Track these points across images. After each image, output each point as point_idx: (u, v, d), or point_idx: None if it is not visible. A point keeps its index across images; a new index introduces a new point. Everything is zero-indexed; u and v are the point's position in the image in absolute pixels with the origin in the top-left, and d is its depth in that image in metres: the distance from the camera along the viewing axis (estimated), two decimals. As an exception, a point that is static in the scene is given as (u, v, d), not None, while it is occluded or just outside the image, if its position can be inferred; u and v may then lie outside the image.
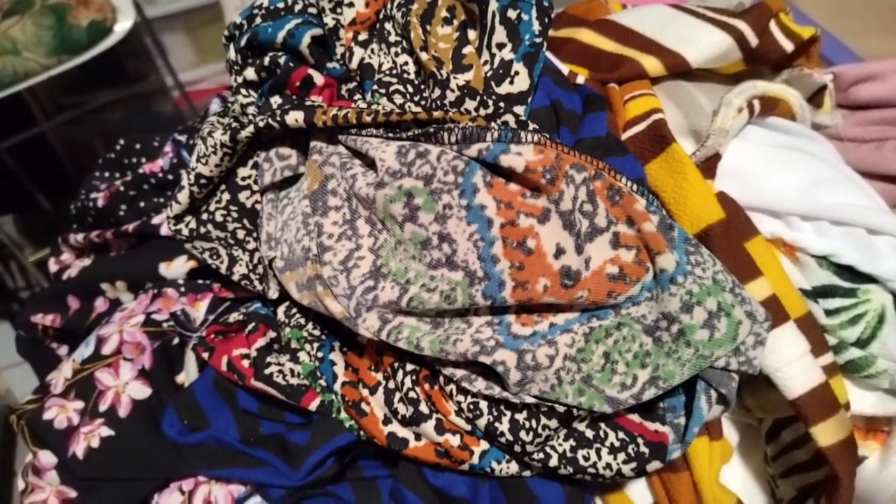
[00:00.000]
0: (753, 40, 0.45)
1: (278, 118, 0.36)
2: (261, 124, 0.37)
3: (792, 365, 0.36)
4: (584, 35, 0.48)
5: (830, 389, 0.37)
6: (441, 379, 0.36)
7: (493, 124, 0.34)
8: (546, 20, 0.37)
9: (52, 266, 0.59)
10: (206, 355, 0.43)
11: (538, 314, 0.34)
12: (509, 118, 0.35)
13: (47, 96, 1.23)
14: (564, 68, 0.45)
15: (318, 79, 0.38)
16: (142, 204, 0.54)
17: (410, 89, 0.38)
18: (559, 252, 0.32)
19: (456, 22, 0.40)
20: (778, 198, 0.40)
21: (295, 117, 0.36)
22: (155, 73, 1.28)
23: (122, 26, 0.95)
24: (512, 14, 0.38)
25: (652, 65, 0.45)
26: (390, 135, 0.36)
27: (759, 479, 0.44)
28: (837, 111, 0.52)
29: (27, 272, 1.30)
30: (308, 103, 0.38)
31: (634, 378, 0.33)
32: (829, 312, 0.39)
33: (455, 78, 0.36)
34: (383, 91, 0.37)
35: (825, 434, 0.36)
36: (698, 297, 0.33)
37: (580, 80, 0.44)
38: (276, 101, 0.39)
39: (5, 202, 1.28)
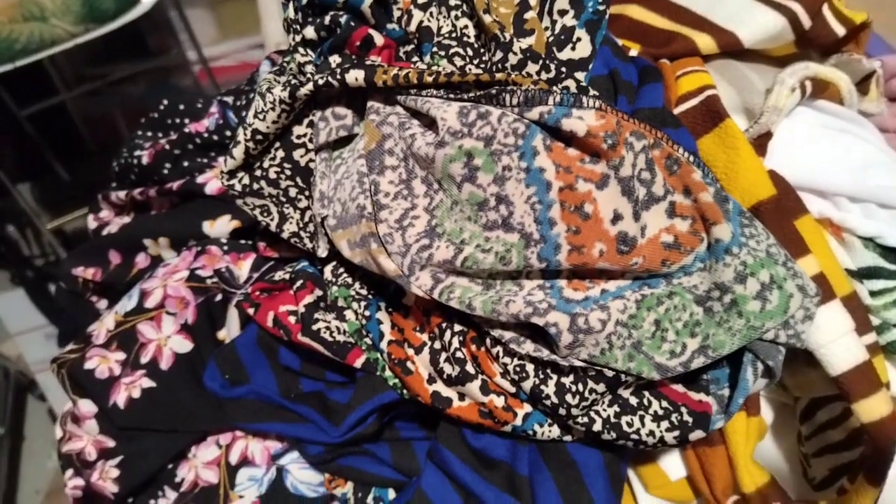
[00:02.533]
0: (807, 22, 0.45)
1: (338, 76, 0.37)
2: (320, 82, 0.37)
3: (837, 342, 0.37)
4: (635, 11, 0.49)
5: (873, 367, 0.37)
6: (488, 340, 0.37)
7: (555, 88, 0.34)
8: (610, -11, 0.38)
9: (91, 223, 0.60)
10: (251, 311, 0.43)
11: (590, 280, 0.35)
12: (570, 83, 0.36)
13: (69, 66, 1.24)
14: (618, 41, 0.45)
15: (378, 39, 0.38)
16: (186, 163, 0.54)
17: (470, 52, 0.38)
18: (616, 218, 0.33)
19: (517, -12, 0.40)
20: (827, 178, 0.40)
21: (355, 76, 0.36)
22: (177, 48, 1.28)
23: (150, -2, 0.96)
24: (575, -18, 0.38)
25: (705, 42, 0.45)
26: (450, 96, 0.36)
27: (791, 459, 0.45)
28: (883, 99, 0.52)
29: (42, 239, 1.31)
30: (368, 63, 0.39)
31: (684, 346, 0.34)
32: (873, 293, 0.39)
33: (518, 41, 0.36)
34: (443, 53, 0.38)
35: (867, 411, 0.36)
36: (752, 269, 0.33)
37: (633, 54, 0.45)
38: (335, 60, 0.39)
39: (23, 170, 1.30)
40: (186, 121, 0.59)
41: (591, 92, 0.36)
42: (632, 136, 0.33)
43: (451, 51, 0.38)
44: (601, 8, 0.38)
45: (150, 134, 0.60)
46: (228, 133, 0.53)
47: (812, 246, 0.38)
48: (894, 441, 0.37)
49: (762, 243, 0.34)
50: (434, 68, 0.36)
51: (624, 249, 0.33)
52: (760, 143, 0.41)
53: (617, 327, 0.33)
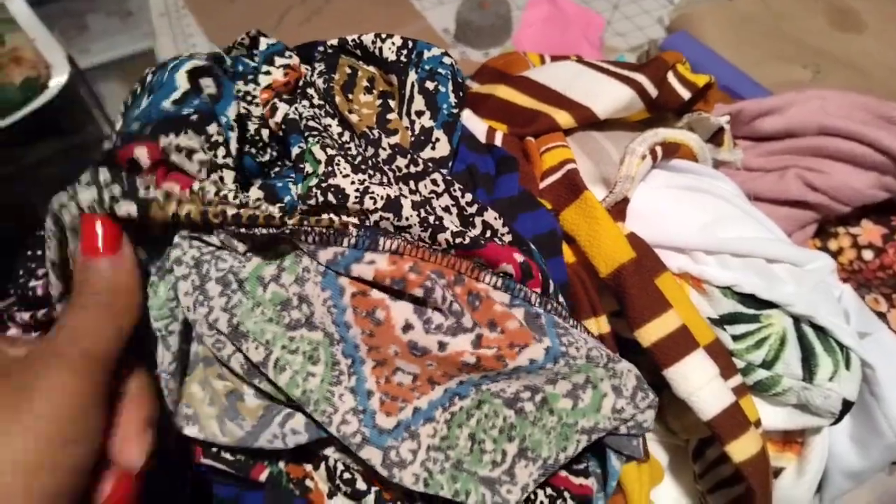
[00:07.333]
0: (653, 91, 0.42)
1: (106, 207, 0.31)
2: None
3: (704, 389, 0.32)
4: (503, 91, 0.45)
5: (740, 409, 0.32)
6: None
7: (351, 229, 0.30)
8: (461, 93, 0.34)
9: None
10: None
11: (402, 399, 0.31)
12: (437, 177, 0.33)
13: (-25, 155, 1.18)
14: (484, 124, 0.42)
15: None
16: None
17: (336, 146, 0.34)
18: (407, 327, 0.29)
19: (376, 92, 0.36)
20: (682, 236, 0.37)
21: (127, 210, 0.31)
22: (92, 124, 1.25)
23: (57, 81, 0.85)
24: (430, 85, 0.34)
25: (564, 118, 0.42)
26: (242, 231, 0.32)
27: (691, 497, 0.40)
28: (738, 148, 0.55)
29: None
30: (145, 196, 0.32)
31: (504, 453, 0.30)
32: (735, 338, 0.35)
33: (385, 138, 0.32)
34: (317, 139, 0.34)
35: (738, 450, 0.32)
36: (565, 375, 0.29)
37: (499, 136, 0.41)
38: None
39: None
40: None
41: (400, 234, 0.32)
42: (433, 275, 0.30)
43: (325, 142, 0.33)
44: (455, 111, 0.34)
45: (39, 253, 0.56)
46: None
47: (673, 300, 0.33)
48: (767, 475, 0.39)
49: (581, 349, 0.30)
50: (219, 209, 0.32)
51: (416, 354, 0.29)
52: (620, 208, 0.37)
53: (430, 453, 0.29)
